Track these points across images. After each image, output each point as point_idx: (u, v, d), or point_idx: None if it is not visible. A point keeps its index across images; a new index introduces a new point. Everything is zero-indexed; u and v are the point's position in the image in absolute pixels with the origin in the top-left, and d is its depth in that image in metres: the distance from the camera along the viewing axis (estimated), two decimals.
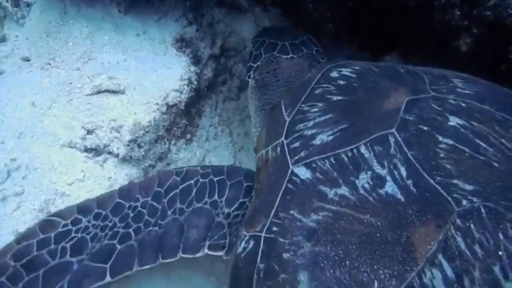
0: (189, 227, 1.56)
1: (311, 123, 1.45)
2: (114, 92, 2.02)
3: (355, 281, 1.13)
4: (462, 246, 1.10)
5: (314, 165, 1.33)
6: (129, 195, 1.63)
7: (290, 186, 1.33)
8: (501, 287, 1.05)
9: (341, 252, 1.17)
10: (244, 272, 1.30)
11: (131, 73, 2.09)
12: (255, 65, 2.16)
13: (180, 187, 1.63)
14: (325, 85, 1.57)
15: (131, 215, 1.59)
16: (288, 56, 2.11)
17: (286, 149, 1.43)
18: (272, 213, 1.31)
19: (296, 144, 1.42)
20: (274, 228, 1.29)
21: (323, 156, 1.33)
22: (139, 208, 1.60)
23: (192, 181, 1.64)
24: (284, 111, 1.58)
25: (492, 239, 1.09)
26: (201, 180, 1.64)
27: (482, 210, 1.13)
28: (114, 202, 1.61)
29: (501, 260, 1.07)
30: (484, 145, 1.25)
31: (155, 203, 1.60)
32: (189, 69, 2.15)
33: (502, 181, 1.17)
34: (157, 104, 1.98)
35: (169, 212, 1.59)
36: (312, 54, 2.14)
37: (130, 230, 1.55)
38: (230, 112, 2.57)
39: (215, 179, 1.65)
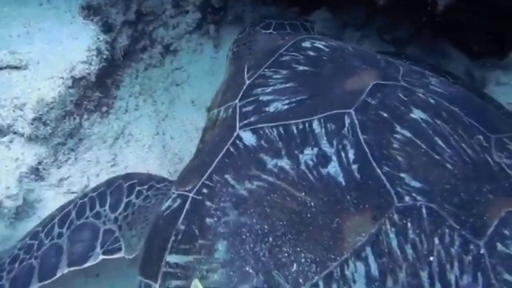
0: (73, 244, 1.51)
1: (269, 89, 1.40)
2: (16, 68, 1.90)
3: (273, 260, 1.07)
4: (394, 243, 1.04)
5: (261, 132, 1.27)
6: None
7: (231, 149, 1.28)
8: None
9: (266, 226, 1.12)
10: (163, 231, 1.24)
11: (34, 46, 1.97)
12: (237, 37, 2.12)
13: (57, 217, 1.58)
14: (294, 54, 1.51)
15: (8, 260, 1.56)
16: (268, 31, 2.06)
17: (238, 111, 1.38)
18: (206, 175, 1.26)
19: (249, 108, 1.37)
20: (204, 190, 1.23)
21: (273, 124, 1.28)
22: (16, 252, 1.57)
23: (70, 206, 1.59)
24: (246, 73, 1.52)
25: (426, 243, 1.04)
26: (79, 201, 1.59)
27: (424, 210, 1.07)
28: None
29: (430, 267, 1.01)
30: (443, 144, 1.19)
31: (32, 241, 1.57)
32: (98, 38, 2.04)
33: (451, 184, 1.11)
34: (62, 78, 1.89)
35: (46, 241, 1.55)
36: (295, 36, 2.09)
37: (3, 274, 1.53)
38: (153, 80, 2.48)
39: (94, 195, 1.58)
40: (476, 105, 1.37)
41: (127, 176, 1.61)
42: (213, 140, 1.39)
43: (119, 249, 1.47)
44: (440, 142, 1.19)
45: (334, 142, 1.20)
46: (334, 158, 1.17)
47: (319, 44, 1.53)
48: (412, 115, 1.24)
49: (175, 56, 2.62)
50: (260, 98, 1.38)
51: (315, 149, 1.20)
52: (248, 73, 1.52)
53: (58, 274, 1.47)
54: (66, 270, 1.47)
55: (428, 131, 1.21)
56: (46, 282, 1.47)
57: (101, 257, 1.46)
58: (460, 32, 2.27)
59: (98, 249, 1.48)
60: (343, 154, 1.18)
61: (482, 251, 1.02)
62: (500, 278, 0.99)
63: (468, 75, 2.44)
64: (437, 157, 1.16)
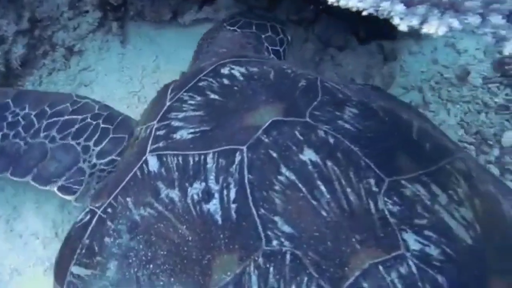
0: (51, 159, 1.56)
1: (181, 115, 1.41)
2: None
3: (151, 287, 1.15)
4: (254, 286, 1.07)
5: (164, 159, 1.30)
6: (19, 100, 1.63)
7: (138, 173, 1.31)
8: None
9: (149, 254, 1.18)
10: (73, 242, 1.33)
11: None
12: (206, 31, 2.12)
13: (66, 116, 1.61)
14: (211, 80, 1.51)
15: (9, 119, 1.60)
16: (231, 28, 2.05)
17: (153, 134, 1.39)
18: (113, 195, 1.32)
19: (161, 132, 1.39)
20: (109, 210, 1.29)
21: (174, 152, 1.30)
22: (19, 118, 1.60)
23: (80, 116, 1.62)
24: (169, 94, 1.53)
25: None
26: (88, 119, 1.63)
27: (287, 256, 1.09)
28: (4, 101, 1.61)
29: None
30: (324, 189, 1.17)
31: (35, 120, 1.60)
32: None
33: (320, 232, 1.11)
34: None
35: (41, 134, 1.59)
36: (260, 36, 2.04)
37: None
38: (59, 84, 2.51)
39: (101, 125, 1.62)
40: (387, 142, 1.31)
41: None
42: (128, 159, 1.43)
43: (74, 192, 1.56)
44: (322, 187, 1.17)
45: (220, 179, 1.21)
46: (216, 195, 1.19)
47: (237, 72, 1.52)
48: (301, 156, 1.22)
49: (81, 57, 2.64)
50: (172, 123, 1.40)
51: (203, 184, 1.22)
52: (170, 94, 1.52)
53: (24, 179, 1.55)
54: (30, 181, 1.55)
55: (313, 175, 1.19)
56: (13, 178, 1.57)
57: (55, 189, 1.54)
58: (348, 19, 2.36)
59: (60, 181, 1.55)
60: (225, 192, 1.19)
61: None
62: None
63: (379, 46, 2.52)
64: (314, 202, 1.15)
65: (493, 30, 0.93)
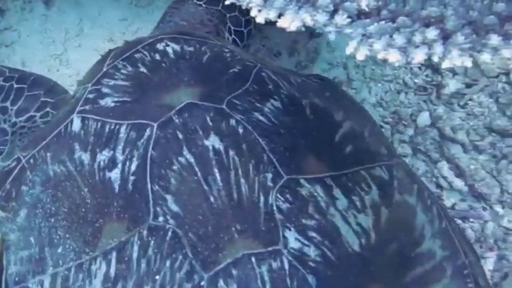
0: None
1: (112, 83, 1.44)
2: None
3: (48, 238, 1.22)
4: (134, 256, 1.13)
5: (86, 122, 1.34)
6: None
7: (62, 130, 1.36)
8: None
9: (53, 208, 1.25)
10: None
11: None
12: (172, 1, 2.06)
13: None
14: (145, 53, 1.51)
15: None
16: (198, 2, 2.00)
17: (84, 96, 1.43)
18: (38, 147, 1.37)
19: (91, 96, 1.42)
20: (31, 160, 1.36)
21: (96, 117, 1.34)
22: None
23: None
24: (109, 59, 1.54)
25: (159, 262, 1.12)
26: (1, 83, 1.65)
27: (169, 233, 1.13)
28: None
29: (154, 284, 1.10)
30: (218, 177, 1.20)
31: None
32: None
33: (204, 217, 1.15)
34: None
35: None
36: (225, 15, 2.00)
37: None
38: None
39: (15, 86, 1.64)
40: (300, 140, 1.33)
41: (51, 90, 1.70)
42: (60, 116, 1.47)
43: (0, 153, 1.63)
44: (217, 174, 1.20)
45: (127, 151, 1.26)
46: (119, 165, 1.24)
47: (170, 48, 1.52)
48: (206, 142, 1.25)
49: (3, 17, 2.55)
50: (102, 89, 1.43)
51: (111, 153, 1.27)
52: (110, 60, 1.53)
53: None
54: None
55: (212, 161, 1.22)
56: None
57: None
58: None
59: None
60: (127, 164, 1.24)
61: (202, 283, 1.08)
62: None
63: None
64: (205, 187, 1.18)
65: (337, 29, 0.92)
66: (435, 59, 0.88)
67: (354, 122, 1.45)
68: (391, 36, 0.92)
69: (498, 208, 2.03)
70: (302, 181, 1.23)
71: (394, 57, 0.90)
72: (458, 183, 2.07)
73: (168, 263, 1.11)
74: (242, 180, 1.21)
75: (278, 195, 1.20)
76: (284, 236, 1.14)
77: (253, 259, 1.10)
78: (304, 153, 1.30)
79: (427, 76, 2.36)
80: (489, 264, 1.90)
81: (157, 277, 1.10)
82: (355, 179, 1.30)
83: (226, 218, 1.15)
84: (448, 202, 2.06)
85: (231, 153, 1.24)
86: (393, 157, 1.46)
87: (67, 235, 1.21)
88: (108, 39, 2.49)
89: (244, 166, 1.23)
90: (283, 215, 1.17)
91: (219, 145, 1.25)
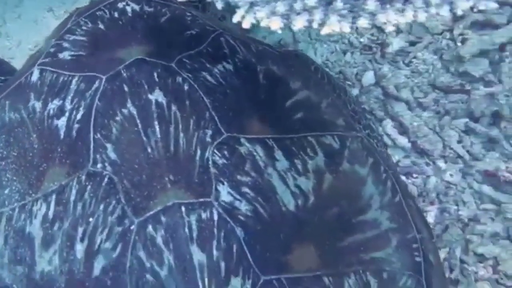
0: None
1: (72, 38, 1.51)
2: None
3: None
4: (71, 198, 1.20)
5: (44, 73, 1.42)
6: None
7: (22, 81, 1.44)
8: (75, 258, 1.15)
9: (5, 152, 1.33)
10: None
11: None
12: None
13: None
14: (105, 10, 1.56)
15: None
16: None
17: (47, 49, 1.50)
18: (2, 95, 1.45)
19: (53, 50, 1.49)
20: None
21: (52, 69, 1.42)
22: None
23: None
24: (74, 17, 1.60)
25: (93, 206, 1.18)
26: None
27: (105, 179, 1.20)
28: None
29: (87, 225, 1.16)
30: (158, 129, 1.25)
31: None
32: None
33: (140, 166, 1.21)
34: None
35: None
36: None
37: None
38: None
39: None
40: (246, 102, 1.37)
41: None
42: (24, 66, 1.56)
43: None
44: (156, 126, 1.25)
45: (75, 101, 1.33)
46: (67, 114, 1.31)
47: (130, 8, 1.56)
48: (150, 96, 1.30)
49: None
50: (63, 43, 1.50)
51: (60, 102, 1.34)
52: (74, 17, 1.59)
53: None
54: None
55: (153, 114, 1.27)
56: None
57: None
58: None
59: None
60: (74, 113, 1.31)
61: (132, 227, 1.14)
62: (136, 254, 1.12)
63: None
64: (144, 138, 1.24)
65: None
66: (315, 25, 0.90)
67: (312, 92, 1.49)
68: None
69: (440, 163, 2.06)
70: (242, 140, 1.27)
71: (275, 24, 0.93)
72: (402, 140, 2.10)
73: (102, 207, 1.17)
74: (181, 134, 1.25)
75: (215, 151, 1.24)
76: (216, 189, 1.18)
77: (183, 208, 1.15)
78: (249, 114, 1.34)
79: (372, 35, 2.36)
80: (430, 217, 1.94)
81: (90, 219, 1.17)
82: (300, 144, 1.34)
83: (161, 168, 1.20)
84: (392, 159, 2.08)
85: (173, 108, 1.29)
86: (352, 130, 1.51)
87: (15, 178, 1.28)
88: (48, 9, 2.43)
89: (184, 121, 1.27)
90: (218, 169, 1.21)
91: (162, 99, 1.29)
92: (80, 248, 1.15)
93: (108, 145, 1.24)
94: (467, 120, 2.11)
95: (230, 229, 1.14)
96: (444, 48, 2.26)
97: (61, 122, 1.31)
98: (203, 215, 1.14)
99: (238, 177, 1.21)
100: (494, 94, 2.11)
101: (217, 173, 1.20)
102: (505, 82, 2.13)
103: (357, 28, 2.33)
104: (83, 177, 1.22)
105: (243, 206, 1.18)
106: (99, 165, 1.22)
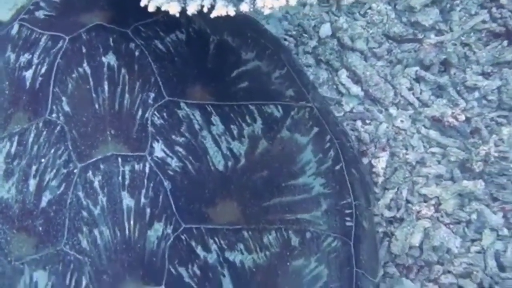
0: None
1: (48, 1, 1.66)
2: None
3: None
4: (30, 140, 1.41)
5: (20, 28, 1.60)
6: None
7: (5, 32, 1.62)
8: None
9: None
10: None
11: None
12: None
13: None
14: None
15: None
16: None
17: (28, 7, 1.65)
18: None
19: (32, 7, 1.65)
20: None
21: (27, 25, 1.60)
22: None
23: None
24: None
25: (44, 149, 1.38)
26: None
27: (58, 127, 1.39)
28: None
29: (38, 168, 1.35)
30: (106, 89, 1.41)
31: None
32: None
33: (87, 119, 1.38)
34: None
35: None
36: None
37: None
38: None
39: None
40: (191, 70, 1.51)
41: None
42: (10, 19, 1.73)
43: None
44: (105, 86, 1.42)
45: (41, 56, 1.51)
46: (33, 67, 1.50)
47: None
48: (103, 58, 1.46)
49: None
50: (40, 3, 1.66)
51: (30, 56, 1.52)
52: None
53: None
54: None
55: (103, 75, 1.43)
56: None
57: None
58: None
59: None
60: (39, 67, 1.49)
61: (75, 170, 1.33)
62: (76, 193, 1.31)
63: None
64: (94, 95, 1.41)
65: None
66: (205, 10, 1.01)
67: (264, 63, 1.63)
68: None
69: (392, 110, 2.16)
70: (182, 104, 1.42)
71: (173, 8, 1.05)
72: (355, 89, 2.19)
73: (52, 150, 1.36)
74: (127, 95, 1.41)
75: (155, 112, 1.39)
76: (151, 146, 1.35)
77: (119, 159, 1.32)
78: (192, 81, 1.49)
79: None
80: (382, 162, 2.05)
81: (43, 160, 1.36)
82: (240, 112, 1.48)
83: (105, 123, 1.37)
84: (347, 107, 2.18)
85: (123, 71, 1.45)
86: (301, 100, 1.62)
87: None
88: None
89: (131, 83, 1.43)
90: (156, 129, 1.37)
91: (114, 62, 1.45)
92: (32, 183, 1.34)
93: (64, 98, 1.42)
94: (417, 68, 2.19)
95: (159, 181, 1.31)
96: None
97: (28, 74, 1.49)
98: (136, 167, 1.32)
99: (173, 137, 1.37)
100: (444, 43, 2.18)
101: (154, 132, 1.36)
102: (456, 31, 2.21)
103: None
104: (41, 124, 1.40)
105: (174, 163, 1.34)
106: (54, 115, 1.40)
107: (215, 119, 1.43)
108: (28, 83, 1.49)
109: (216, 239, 1.29)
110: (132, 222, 1.26)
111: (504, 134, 1.97)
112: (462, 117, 2.06)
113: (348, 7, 2.33)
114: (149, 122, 1.38)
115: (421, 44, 2.22)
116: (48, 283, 1.27)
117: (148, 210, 1.27)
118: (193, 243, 1.26)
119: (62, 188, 1.32)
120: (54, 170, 1.34)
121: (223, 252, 1.28)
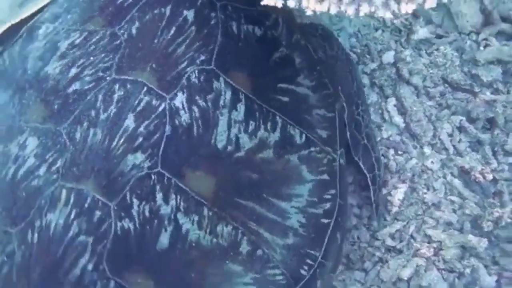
0: None
1: None
2: None
3: None
4: (92, 40, 1.56)
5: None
6: None
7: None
8: None
9: None
10: None
11: None
12: None
13: None
14: None
15: None
16: None
17: None
18: None
19: None
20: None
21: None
22: None
23: None
24: None
25: (91, 54, 1.53)
26: None
27: (118, 41, 1.52)
28: None
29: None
30: (172, 33, 1.52)
31: None
32: None
33: (142, 46, 1.51)
34: None
35: None
36: None
37: None
38: None
39: None
40: (247, 56, 1.57)
41: None
42: None
43: None
44: (172, 31, 1.52)
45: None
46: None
47: None
48: (184, 11, 1.56)
49: None
50: None
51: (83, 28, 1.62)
52: None
53: None
54: None
55: (177, 22, 1.54)
56: None
57: None
58: None
59: None
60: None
61: (108, 78, 1.47)
62: (98, 95, 1.46)
63: None
64: (159, 32, 1.53)
65: None
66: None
67: (314, 98, 1.64)
68: None
69: (426, 149, 2.24)
70: (221, 78, 1.48)
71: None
72: (398, 119, 2.28)
73: (103, 55, 1.52)
74: (183, 46, 1.52)
75: (196, 71, 1.48)
76: (175, 94, 1.43)
77: (144, 88, 1.43)
78: (242, 67, 1.55)
79: (406, 19, 2.50)
80: (399, 194, 2.13)
81: (91, 58, 1.52)
82: (265, 114, 1.50)
83: (153, 56, 1.49)
84: (385, 134, 2.27)
85: (193, 28, 1.57)
86: (329, 147, 1.61)
87: None
88: None
89: (192, 40, 1.55)
90: (187, 83, 1.45)
91: (190, 17, 1.56)
92: (73, 71, 1.52)
93: (137, 23, 1.55)
94: (463, 118, 2.25)
95: (163, 122, 1.38)
96: (466, 48, 2.38)
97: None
98: (154, 101, 1.41)
99: (197, 97, 1.43)
100: (496, 102, 2.23)
101: (185, 85, 1.43)
102: (511, 95, 2.25)
103: (394, 10, 2.47)
104: (108, 32, 1.55)
105: (184, 117, 1.40)
106: (121, 31, 1.54)
107: (240, 106, 1.46)
108: (119, 1, 1.60)
109: (179, 198, 1.33)
110: (121, 140, 1.37)
111: None
112: (489, 176, 2.10)
113: (417, 42, 2.42)
114: (186, 75, 1.45)
115: (475, 97, 2.27)
116: (34, 150, 1.42)
117: (140, 138, 1.37)
118: (158, 188, 1.33)
119: (90, 85, 1.45)
120: (94, 70, 1.47)
121: (177, 211, 1.32)
